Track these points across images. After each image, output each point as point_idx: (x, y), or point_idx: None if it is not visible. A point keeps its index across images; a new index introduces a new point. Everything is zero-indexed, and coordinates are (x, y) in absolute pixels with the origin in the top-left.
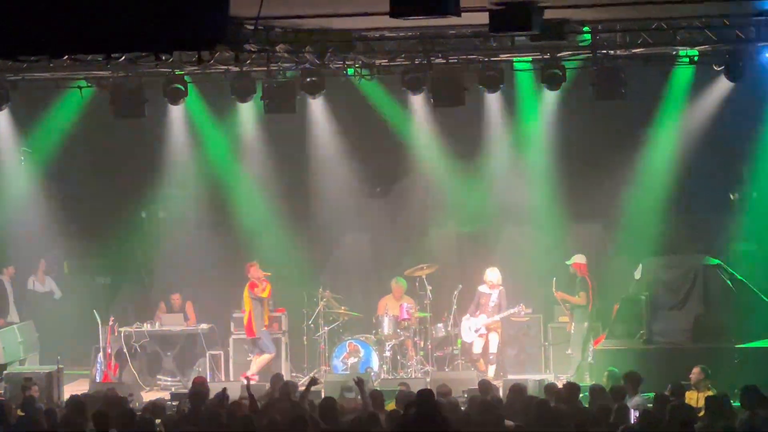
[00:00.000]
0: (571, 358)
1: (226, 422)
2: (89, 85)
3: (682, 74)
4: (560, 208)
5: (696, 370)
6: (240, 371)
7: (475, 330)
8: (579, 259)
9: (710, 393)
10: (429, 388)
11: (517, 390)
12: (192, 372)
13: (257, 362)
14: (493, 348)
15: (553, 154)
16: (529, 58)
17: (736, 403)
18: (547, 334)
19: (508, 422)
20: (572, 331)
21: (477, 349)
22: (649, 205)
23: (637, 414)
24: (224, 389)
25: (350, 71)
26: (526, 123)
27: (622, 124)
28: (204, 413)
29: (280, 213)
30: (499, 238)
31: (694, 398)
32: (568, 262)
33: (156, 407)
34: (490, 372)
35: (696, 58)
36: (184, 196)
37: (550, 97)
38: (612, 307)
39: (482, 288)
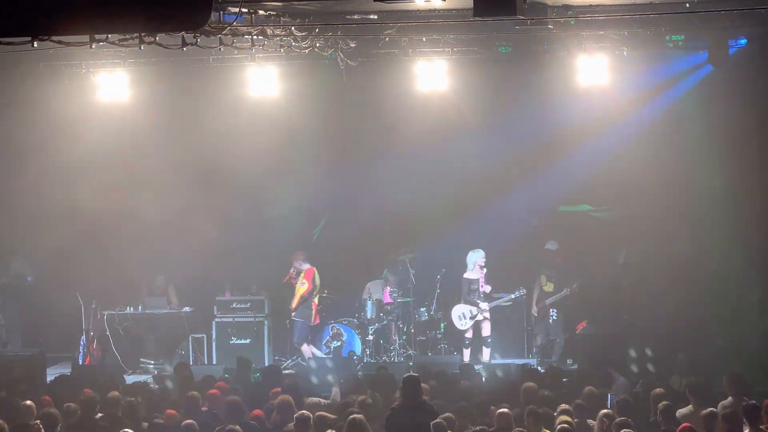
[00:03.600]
0: (555, 343)
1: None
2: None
3: (666, 59)
4: (545, 195)
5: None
6: (224, 355)
7: (471, 317)
8: (551, 245)
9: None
10: (413, 373)
11: (502, 373)
12: (175, 355)
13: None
14: (486, 332)
15: (536, 135)
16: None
17: None
18: (529, 319)
19: (492, 407)
20: (554, 318)
21: (470, 334)
22: (635, 193)
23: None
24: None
25: (334, 55)
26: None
27: (608, 108)
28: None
29: (262, 197)
30: (482, 221)
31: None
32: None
33: (138, 389)
34: (486, 356)
35: (680, 44)
36: (167, 181)
37: (535, 82)
38: (595, 293)
39: (470, 274)
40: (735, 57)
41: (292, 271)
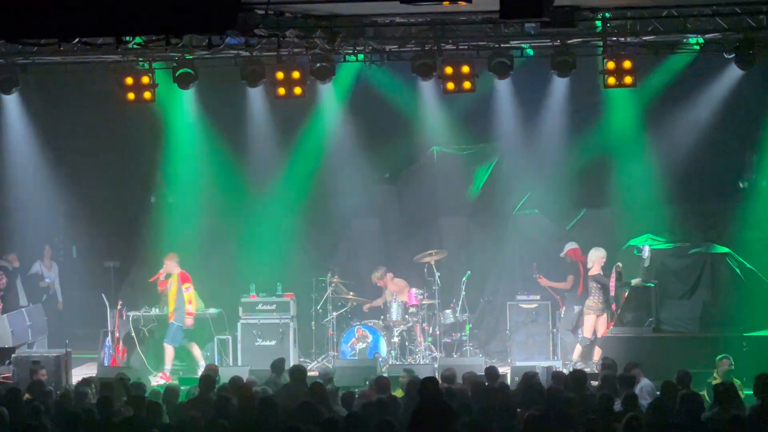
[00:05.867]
0: (566, 342)
1: (238, 407)
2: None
3: (692, 62)
4: (570, 196)
5: (725, 361)
6: (249, 356)
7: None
8: (572, 245)
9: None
10: (433, 375)
11: (527, 377)
12: (200, 356)
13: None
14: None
15: (564, 141)
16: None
17: (747, 392)
18: (555, 321)
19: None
20: (563, 316)
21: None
22: (659, 193)
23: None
24: None
25: (360, 57)
26: (535, 110)
27: (631, 111)
28: (213, 398)
29: (288, 198)
30: (508, 224)
31: None
32: (562, 255)
33: (168, 391)
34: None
35: (704, 46)
36: (192, 181)
37: (559, 85)
38: (620, 295)
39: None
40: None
41: (161, 272)
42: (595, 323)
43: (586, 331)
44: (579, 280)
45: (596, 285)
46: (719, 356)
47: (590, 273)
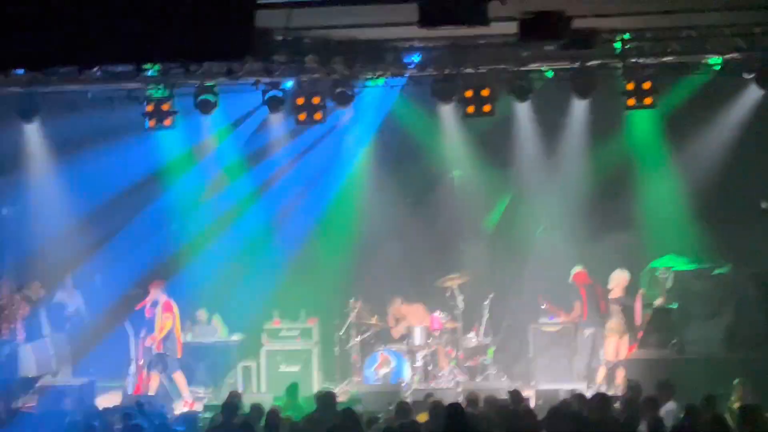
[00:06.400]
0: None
1: None
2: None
3: (712, 82)
4: (593, 218)
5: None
6: (273, 383)
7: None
8: (577, 269)
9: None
10: (458, 401)
11: (551, 399)
12: (223, 384)
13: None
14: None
15: (584, 162)
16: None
17: None
18: (584, 344)
19: None
20: (578, 342)
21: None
22: (681, 215)
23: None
24: None
25: (380, 81)
26: (555, 132)
27: (653, 132)
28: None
29: (311, 223)
30: (531, 247)
31: None
32: (569, 280)
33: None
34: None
35: (723, 66)
36: (212, 208)
37: (579, 107)
38: (643, 316)
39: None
40: None
41: (147, 299)
42: (617, 345)
43: (608, 354)
44: (583, 306)
45: (618, 307)
46: (736, 380)
47: (611, 296)
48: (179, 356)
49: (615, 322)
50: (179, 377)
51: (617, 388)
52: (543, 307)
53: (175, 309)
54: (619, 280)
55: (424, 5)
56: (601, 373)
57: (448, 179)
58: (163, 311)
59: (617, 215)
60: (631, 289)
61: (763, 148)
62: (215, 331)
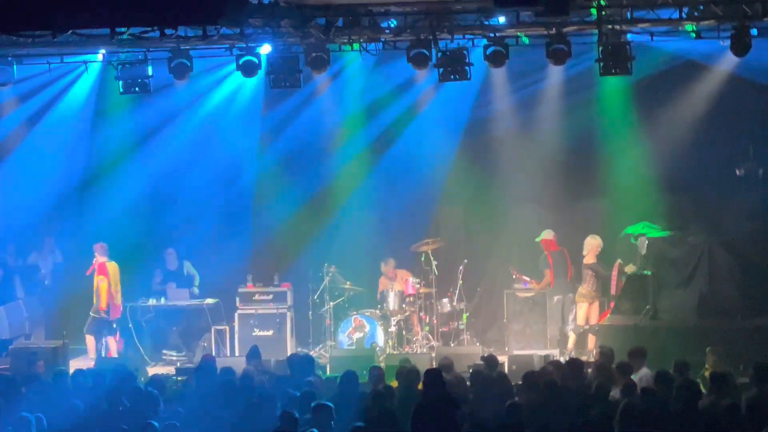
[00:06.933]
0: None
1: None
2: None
3: (688, 50)
4: (566, 186)
5: (714, 352)
6: (247, 347)
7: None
8: (546, 235)
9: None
10: (434, 366)
11: (524, 365)
12: (197, 347)
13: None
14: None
15: (558, 130)
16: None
17: (745, 380)
18: (552, 310)
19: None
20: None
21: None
22: (655, 182)
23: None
24: None
25: (355, 46)
26: (530, 99)
27: (628, 100)
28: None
29: (286, 187)
30: (506, 214)
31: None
32: (537, 240)
33: (159, 381)
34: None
35: (699, 33)
36: (190, 173)
37: (555, 73)
38: (617, 283)
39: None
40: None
41: (94, 263)
42: (588, 311)
43: (579, 319)
44: (550, 273)
45: (590, 273)
46: (708, 348)
47: (585, 261)
48: (111, 318)
49: (586, 288)
50: (111, 342)
51: (589, 354)
52: (514, 277)
53: (111, 269)
54: (591, 245)
55: None
56: (572, 338)
57: (425, 145)
58: (97, 273)
59: (590, 183)
60: (604, 257)
61: (737, 116)
62: (191, 278)
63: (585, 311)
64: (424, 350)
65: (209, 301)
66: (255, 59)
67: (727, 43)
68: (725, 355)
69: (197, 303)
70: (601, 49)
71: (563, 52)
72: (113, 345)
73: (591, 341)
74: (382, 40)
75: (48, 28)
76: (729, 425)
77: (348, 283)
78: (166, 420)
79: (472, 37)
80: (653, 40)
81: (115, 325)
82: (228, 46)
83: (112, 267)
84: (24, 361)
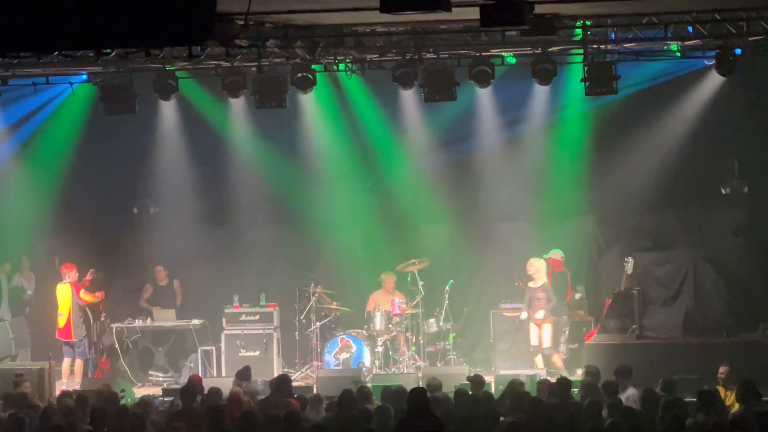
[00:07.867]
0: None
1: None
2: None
3: (673, 69)
4: (551, 204)
5: (721, 369)
6: (233, 367)
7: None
8: (554, 254)
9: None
10: (420, 385)
11: (512, 385)
12: (184, 368)
13: (78, 369)
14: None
15: (544, 148)
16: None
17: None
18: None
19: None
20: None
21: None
22: (641, 200)
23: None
24: None
25: (341, 66)
26: (517, 118)
27: (614, 118)
28: (197, 410)
29: (272, 208)
30: (491, 233)
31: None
32: (545, 256)
33: (147, 403)
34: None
35: (684, 53)
36: (175, 192)
37: (541, 93)
38: (603, 302)
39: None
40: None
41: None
42: (539, 333)
43: (532, 340)
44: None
45: (543, 295)
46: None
47: (534, 285)
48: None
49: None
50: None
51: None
52: (520, 286)
53: (57, 292)
54: (538, 267)
55: None
56: (539, 359)
57: (409, 164)
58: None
59: (576, 200)
60: (593, 277)
61: (722, 134)
62: (174, 295)
63: (537, 333)
64: (411, 370)
65: (195, 321)
66: (240, 79)
67: (712, 62)
68: (705, 373)
69: (184, 324)
70: (586, 69)
71: (548, 72)
72: (78, 368)
73: (557, 361)
74: (368, 60)
75: (33, 49)
76: None
77: (334, 303)
78: None
79: (457, 56)
80: (638, 59)
81: (73, 348)
82: (214, 66)
83: (59, 289)
84: (9, 383)
